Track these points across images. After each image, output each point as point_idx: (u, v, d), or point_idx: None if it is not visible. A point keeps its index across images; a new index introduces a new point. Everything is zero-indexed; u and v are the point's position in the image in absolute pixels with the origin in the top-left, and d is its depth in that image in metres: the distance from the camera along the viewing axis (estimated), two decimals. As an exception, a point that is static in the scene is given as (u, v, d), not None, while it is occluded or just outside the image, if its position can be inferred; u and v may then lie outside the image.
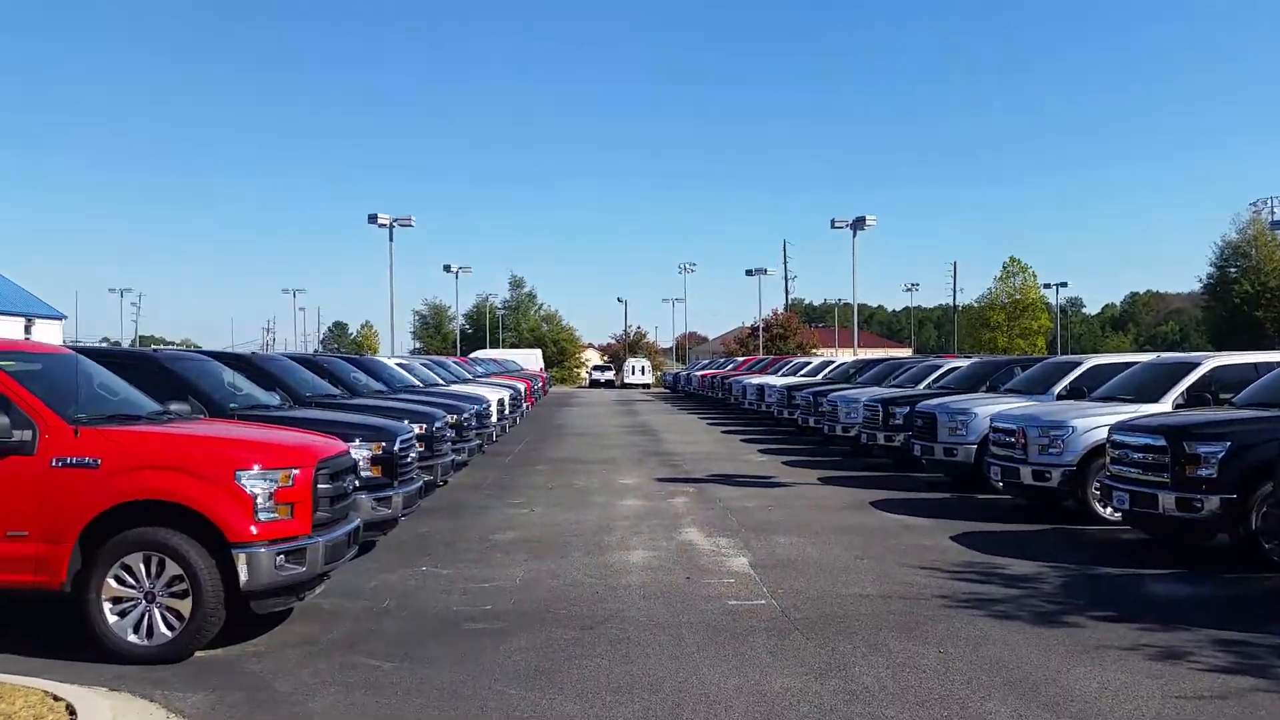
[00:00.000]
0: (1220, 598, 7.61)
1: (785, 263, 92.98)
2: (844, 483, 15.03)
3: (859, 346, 50.86)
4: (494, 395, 20.24)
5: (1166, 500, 8.75)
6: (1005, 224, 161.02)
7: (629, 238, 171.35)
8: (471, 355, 47.64)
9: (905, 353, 74.91)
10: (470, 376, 26.10)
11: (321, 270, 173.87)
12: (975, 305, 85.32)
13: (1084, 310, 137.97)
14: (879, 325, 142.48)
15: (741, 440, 23.09)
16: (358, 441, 8.74)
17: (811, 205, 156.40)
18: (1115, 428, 9.86)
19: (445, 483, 13.85)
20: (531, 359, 54.41)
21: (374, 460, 8.78)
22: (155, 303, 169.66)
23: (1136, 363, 13.68)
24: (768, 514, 11.89)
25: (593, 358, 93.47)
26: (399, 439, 9.09)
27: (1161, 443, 8.90)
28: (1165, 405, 11.17)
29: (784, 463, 18.00)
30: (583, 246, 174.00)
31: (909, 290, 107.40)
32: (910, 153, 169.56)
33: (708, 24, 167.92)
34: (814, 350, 70.16)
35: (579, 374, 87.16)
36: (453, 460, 11.99)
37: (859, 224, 46.68)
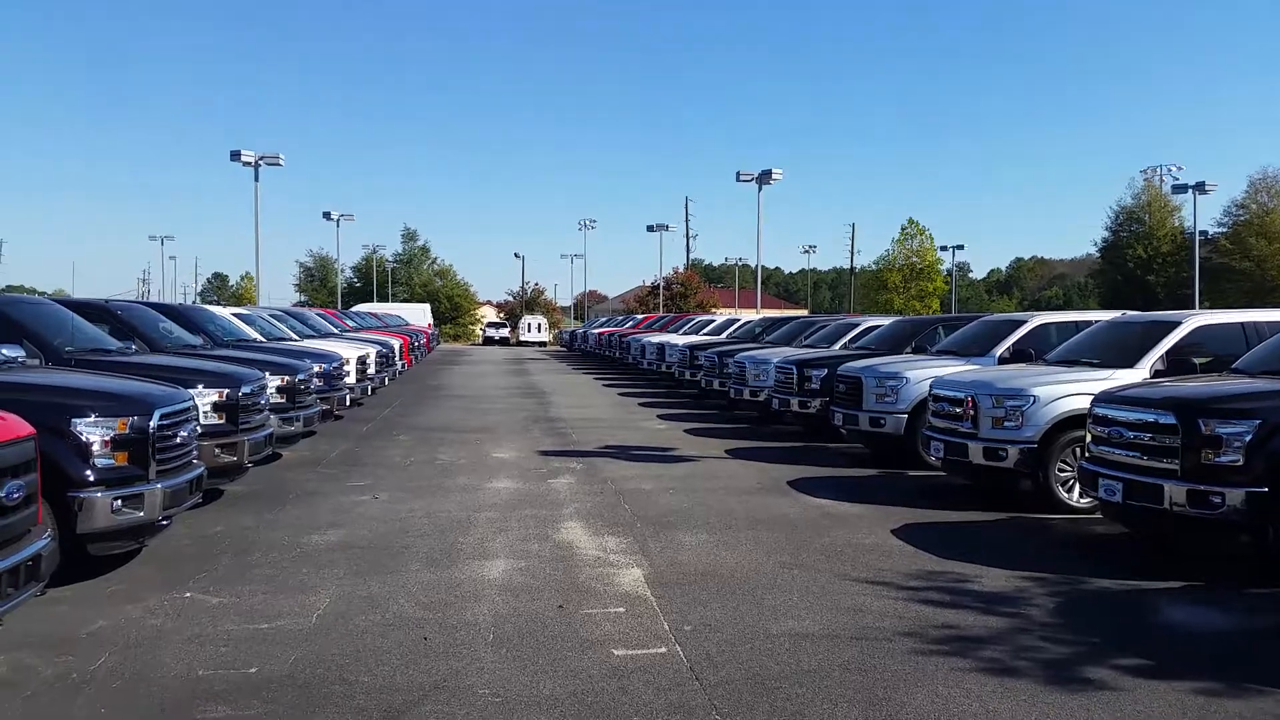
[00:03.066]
0: (1272, 631, 5.71)
1: (687, 220, 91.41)
2: (754, 455, 13.01)
3: (759, 307, 49.24)
4: (354, 352, 17.46)
5: (1175, 493, 6.83)
6: (900, 188, 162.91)
7: (528, 192, 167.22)
8: (353, 309, 44.23)
9: (803, 313, 73.64)
10: (334, 331, 23.14)
11: (201, 218, 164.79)
12: (872, 267, 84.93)
13: (971, 274, 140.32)
14: (775, 287, 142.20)
15: (640, 404, 20.90)
16: (93, 417, 6.13)
17: (714, 164, 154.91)
18: (1100, 399, 7.91)
19: (277, 457, 11.28)
20: (418, 314, 51.18)
21: (118, 443, 6.16)
22: (26, 252, 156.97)
23: (1089, 322, 11.92)
24: (669, 499, 9.72)
25: (489, 314, 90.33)
26: (159, 412, 6.47)
27: (1170, 420, 6.95)
28: (1142, 371, 9.35)
29: (686, 431, 15.89)
30: (480, 201, 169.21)
31: (806, 252, 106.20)
32: (812, 112, 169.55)
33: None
34: (714, 309, 68.61)
35: (474, 331, 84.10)
36: (269, 434, 9.37)
37: (765, 177, 44.93)
